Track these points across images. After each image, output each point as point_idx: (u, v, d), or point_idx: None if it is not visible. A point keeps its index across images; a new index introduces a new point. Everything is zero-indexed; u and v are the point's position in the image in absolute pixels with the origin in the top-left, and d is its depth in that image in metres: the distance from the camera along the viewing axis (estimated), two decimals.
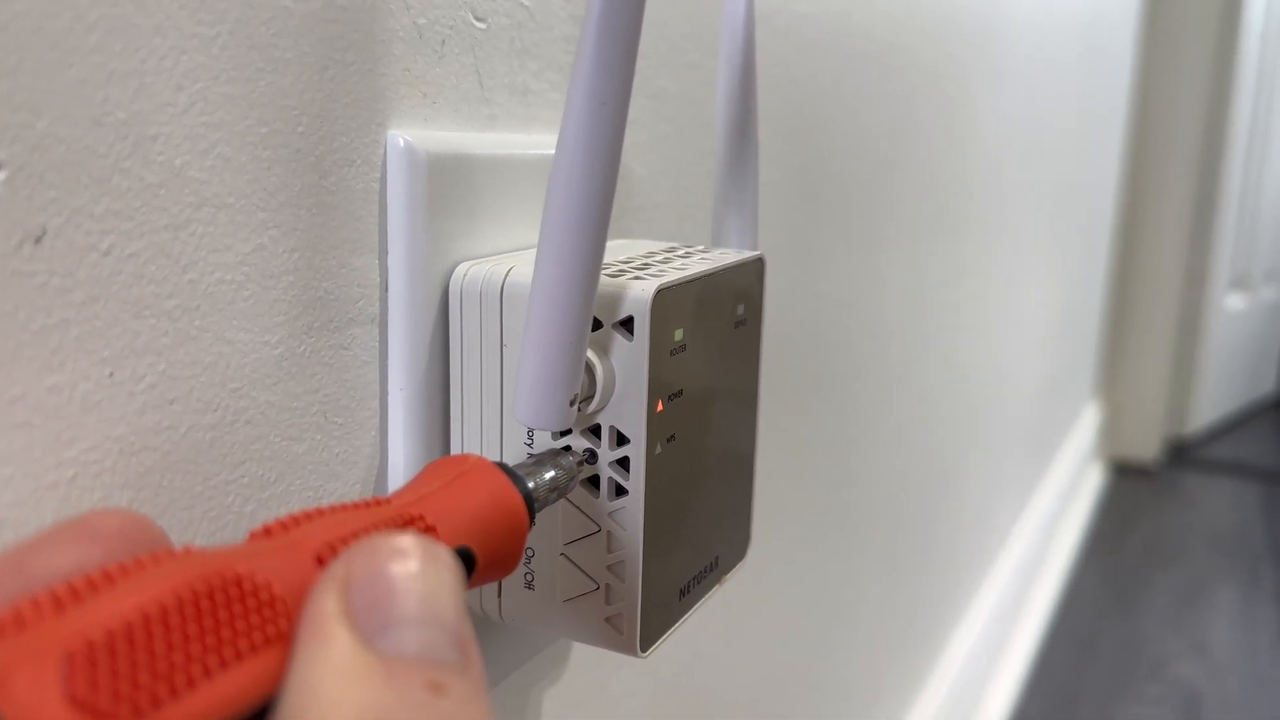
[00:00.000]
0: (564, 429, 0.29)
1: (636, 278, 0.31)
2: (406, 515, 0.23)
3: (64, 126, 0.23)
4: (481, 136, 0.35)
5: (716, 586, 0.38)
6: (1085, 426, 2.24)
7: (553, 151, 0.37)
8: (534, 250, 0.36)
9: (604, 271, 0.32)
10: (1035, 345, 1.54)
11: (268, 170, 0.28)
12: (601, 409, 0.31)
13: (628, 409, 0.31)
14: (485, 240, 0.34)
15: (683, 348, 0.33)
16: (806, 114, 0.62)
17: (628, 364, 0.31)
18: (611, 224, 0.44)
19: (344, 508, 0.23)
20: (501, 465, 0.27)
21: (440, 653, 0.19)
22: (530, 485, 0.28)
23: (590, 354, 0.31)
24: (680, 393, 0.33)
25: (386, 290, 0.32)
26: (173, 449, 0.26)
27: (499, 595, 0.34)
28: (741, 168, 0.39)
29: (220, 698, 0.18)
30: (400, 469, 0.33)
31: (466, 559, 0.25)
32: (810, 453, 0.70)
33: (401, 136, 0.31)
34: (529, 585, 0.34)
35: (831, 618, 0.81)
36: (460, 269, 0.33)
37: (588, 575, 0.33)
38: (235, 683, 0.18)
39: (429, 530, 0.24)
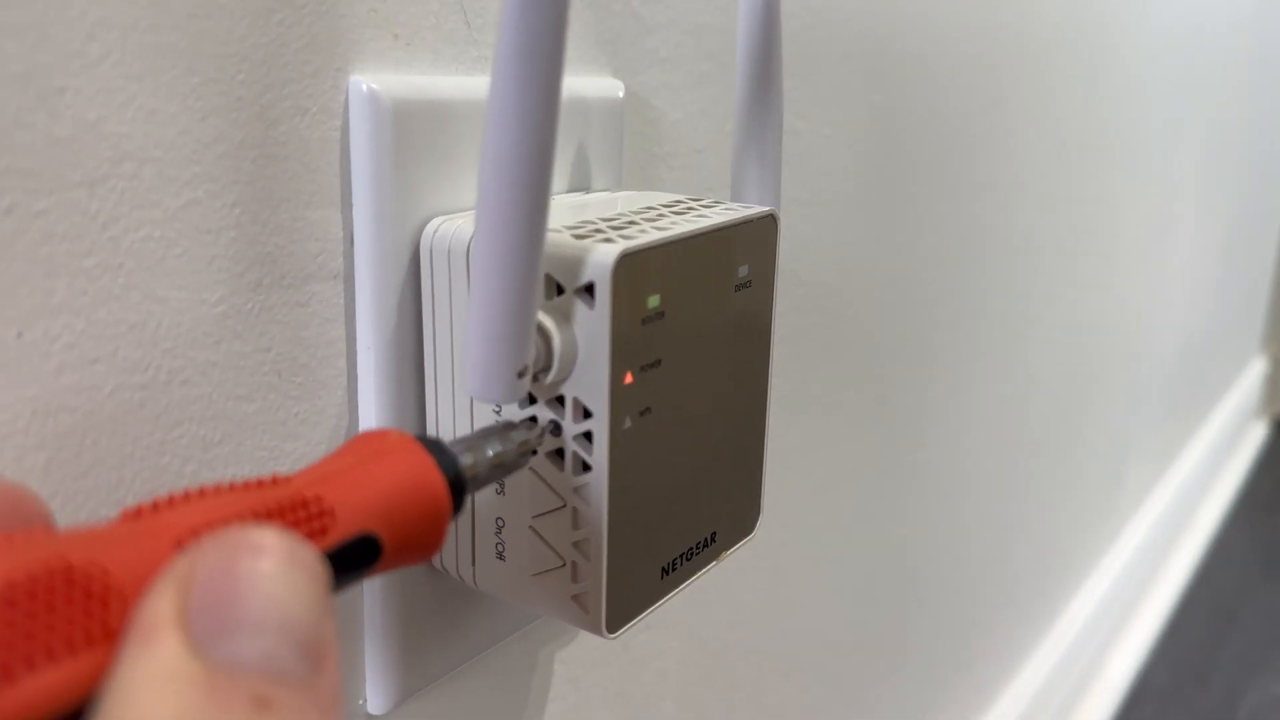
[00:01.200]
0: (511, 402, 0.28)
1: (607, 239, 0.29)
2: (302, 497, 0.22)
3: None
4: (465, 81, 0.33)
5: (714, 562, 0.36)
6: (1249, 382, 2.08)
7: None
8: None
9: (576, 231, 0.30)
10: (1184, 297, 1.43)
11: (201, 121, 0.26)
12: (565, 379, 0.29)
13: (590, 381, 0.29)
14: (465, 194, 0.33)
15: (660, 315, 0.30)
16: (892, 44, 0.57)
17: (590, 333, 0.28)
18: (639, 173, 0.41)
19: (233, 488, 0.22)
20: (430, 441, 0.25)
21: (280, 663, 0.18)
22: (469, 461, 0.26)
23: (549, 321, 0.29)
24: (657, 363, 0.30)
25: (352, 245, 0.31)
26: (96, 409, 0.26)
27: (473, 563, 0.33)
28: (763, 113, 0.36)
29: (21, 701, 0.17)
30: (372, 427, 0.32)
31: (369, 545, 0.23)
32: (889, 414, 0.66)
33: (365, 82, 0.30)
34: (500, 556, 0.32)
35: (917, 581, 0.78)
36: (432, 224, 0.31)
37: (555, 551, 0.31)
38: (44, 684, 0.17)
39: (325, 514, 0.22)
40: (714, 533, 0.35)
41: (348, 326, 0.31)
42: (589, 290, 0.28)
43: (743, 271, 0.34)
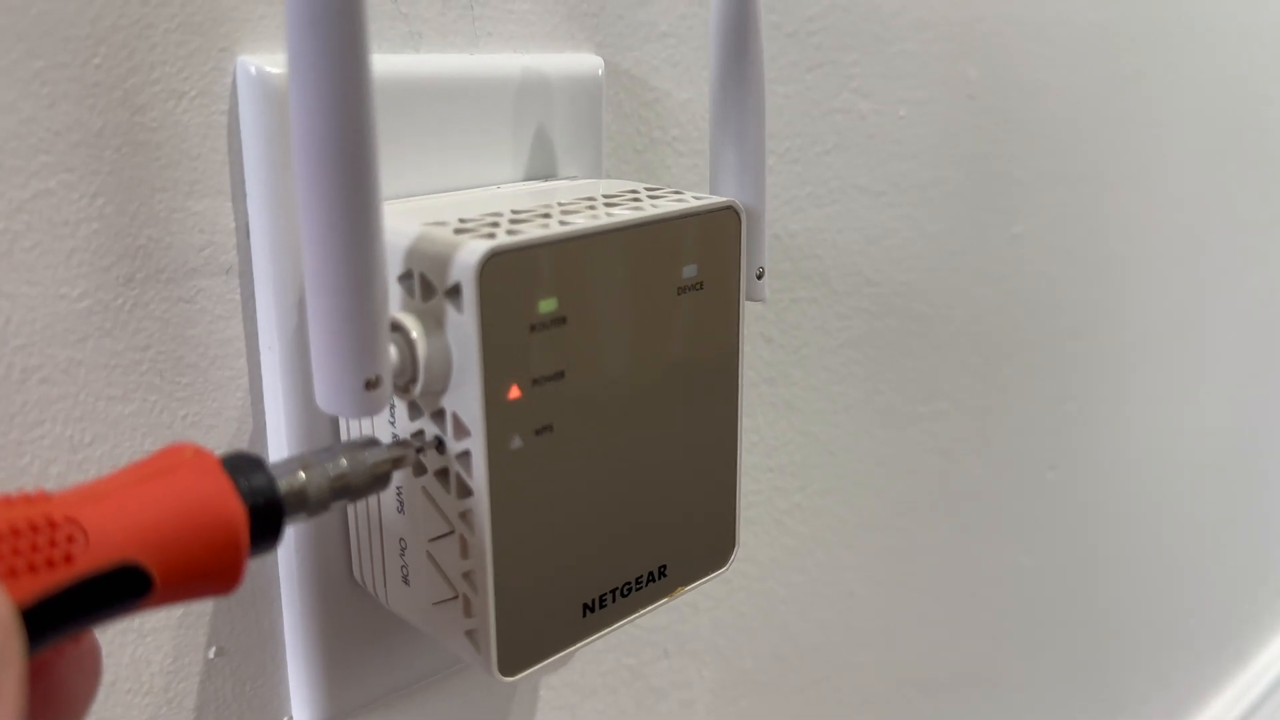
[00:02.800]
0: (361, 416, 0.25)
1: (488, 236, 0.25)
2: (49, 518, 0.20)
3: None
4: (385, 59, 0.30)
5: (666, 599, 0.32)
6: None
7: (500, 74, 0.32)
8: (439, 195, 0.31)
9: (465, 225, 0.26)
10: None
11: (50, 109, 0.25)
12: (442, 391, 0.26)
13: (465, 394, 0.26)
14: (395, 178, 0.30)
15: (559, 320, 0.26)
16: (992, 11, 0.50)
17: (461, 340, 0.25)
18: (638, 157, 0.37)
19: None
20: (240, 459, 0.23)
21: None
22: (295, 483, 0.23)
23: (415, 327, 0.25)
24: (559, 375, 0.27)
25: (248, 237, 0.29)
26: None
27: (384, 583, 0.30)
28: (739, 90, 0.31)
29: None
30: (281, 432, 0.30)
31: (132, 576, 0.21)
32: (998, 431, 0.59)
33: (254, 63, 0.27)
34: (405, 580, 0.29)
35: (1037, 618, 0.70)
36: None
37: (447, 580, 0.28)
38: None
39: (73, 539, 0.20)
40: (663, 566, 0.31)
41: (246, 324, 0.29)
42: (457, 292, 0.25)
43: (688, 272, 0.29)
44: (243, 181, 0.28)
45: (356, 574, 0.31)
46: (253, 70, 0.27)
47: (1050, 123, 0.55)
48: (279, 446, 0.30)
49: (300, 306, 0.29)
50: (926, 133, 0.48)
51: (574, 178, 0.34)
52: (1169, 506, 0.81)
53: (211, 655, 0.31)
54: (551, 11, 0.34)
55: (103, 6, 0.25)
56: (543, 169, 0.34)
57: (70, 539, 0.20)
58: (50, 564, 0.20)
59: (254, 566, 0.31)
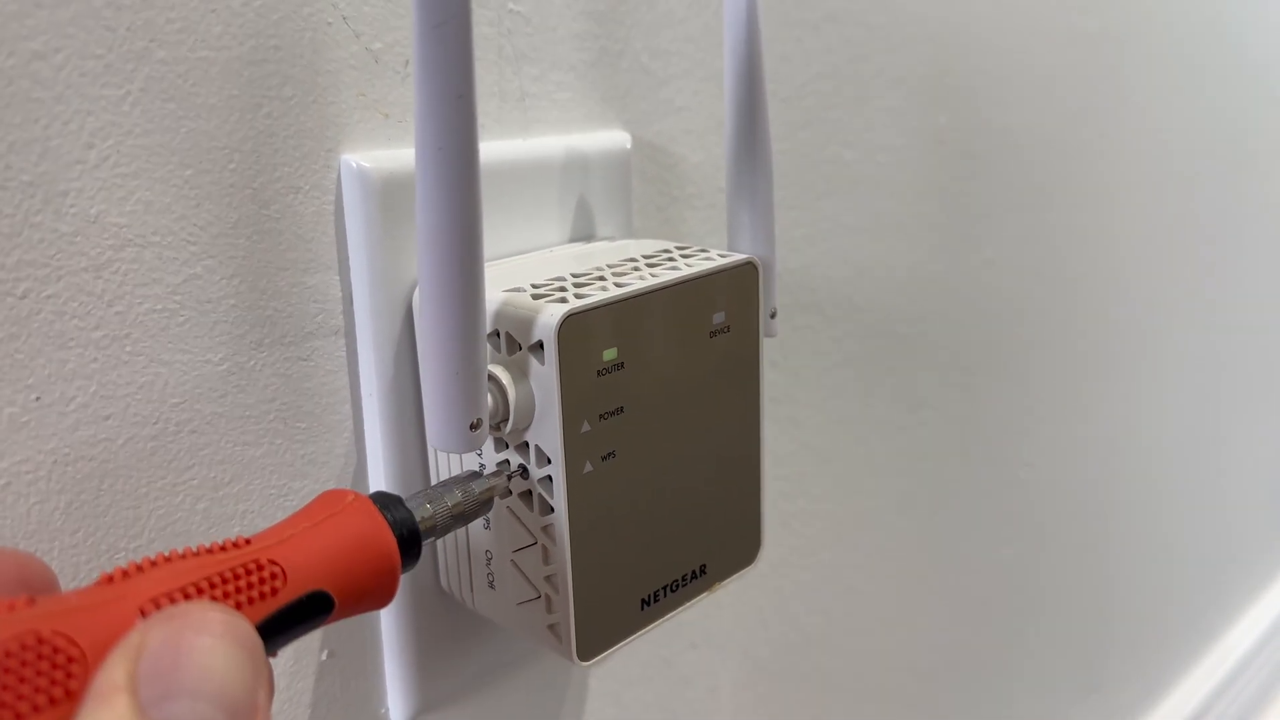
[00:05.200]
0: (467, 452, 0.30)
1: (561, 299, 0.31)
2: (256, 561, 0.25)
3: None
4: None
5: (707, 593, 0.37)
6: None
7: (548, 155, 0.37)
8: (506, 260, 0.37)
9: (539, 290, 0.32)
10: None
11: (196, 208, 0.30)
12: (527, 428, 0.32)
13: (547, 430, 0.31)
14: None
15: (618, 366, 0.32)
16: (957, 64, 0.56)
17: (543, 386, 0.31)
18: (660, 214, 0.43)
19: (198, 552, 0.25)
20: (385, 499, 0.28)
21: None
22: (426, 514, 0.29)
23: (505, 376, 0.31)
24: (619, 410, 0.33)
25: (351, 304, 0.34)
26: (110, 458, 0.30)
27: (471, 589, 0.36)
28: (751, 161, 0.37)
29: None
30: (380, 466, 0.35)
31: (320, 601, 0.26)
32: (979, 434, 0.65)
33: (355, 160, 0.33)
34: (491, 585, 0.35)
35: (1023, 606, 0.76)
36: None
37: (531, 583, 0.34)
38: None
39: (276, 576, 0.25)
40: (703, 565, 0.37)
41: (350, 376, 0.35)
42: (539, 348, 0.31)
43: (718, 319, 0.35)
44: (347, 258, 0.34)
45: (444, 584, 0.37)
46: (354, 166, 0.33)
47: (1013, 159, 0.62)
48: (377, 478, 0.35)
49: (395, 360, 0.35)
50: (903, 174, 0.54)
51: (611, 237, 0.40)
52: (1135, 496, 0.87)
53: (324, 657, 0.36)
54: (587, 97, 0.40)
55: (236, 122, 0.31)
56: (584, 229, 0.39)
57: (274, 576, 0.25)
58: (263, 597, 0.25)
59: None
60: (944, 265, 0.59)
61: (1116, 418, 0.81)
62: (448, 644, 0.38)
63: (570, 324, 0.30)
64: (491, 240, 0.37)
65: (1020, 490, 0.71)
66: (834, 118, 0.50)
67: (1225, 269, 0.94)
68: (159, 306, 0.30)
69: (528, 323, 0.31)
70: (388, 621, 0.37)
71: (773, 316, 0.39)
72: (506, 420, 0.31)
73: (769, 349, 0.49)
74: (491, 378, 0.31)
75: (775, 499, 0.52)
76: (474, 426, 0.29)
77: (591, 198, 0.39)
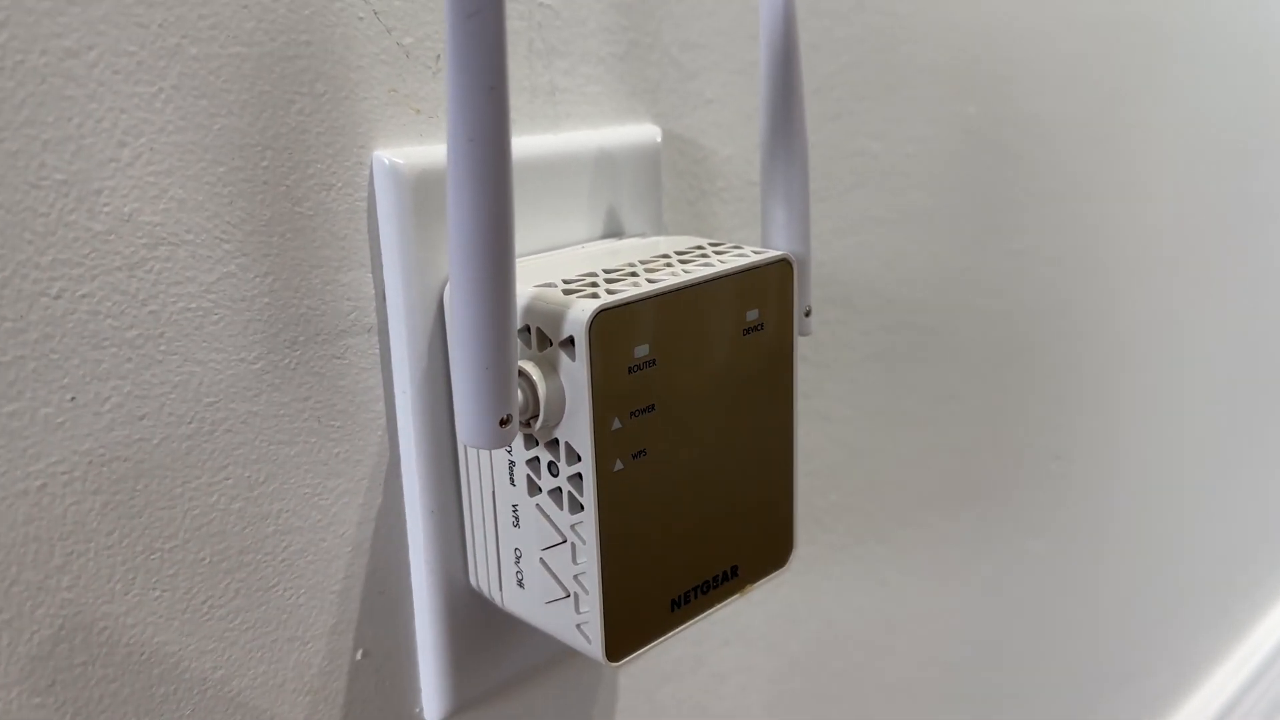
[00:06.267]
0: (497, 448, 0.30)
1: (593, 295, 0.31)
2: None
3: (1, 194, 0.26)
4: None
5: (738, 595, 0.37)
6: None
7: (579, 149, 0.37)
8: (537, 256, 0.37)
9: (570, 285, 0.32)
10: None
11: (229, 205, 0.30)
12: (557, 424, 0.32)
13: (577, 426, 0.31)
14: None
15: (650, 362, 0.32)
16: (988, 54, 0.56)
17: (574, 382, 0.31)
18: (690, 208, 0.43)
19: None
20: None
21: None
22: None
23: (535, 372, 0.31)
24: (651, 408, 0.32)
25: (384, 301, 0.34)
26: (146, 458, 0.30)
27: (500, 588, 0.36)
28: (786, 155, 0.37)
29: None
30: (413, 464, 0.35)
31: None
32: (1010, 426, 0.65)
33: (387, 156, 0.33)
34: (520, 583, 0.35)
35: (1058, 599, 0.75)
36: None
37: (559, 582, 0.33)
38: None
39: None
40: (735, 566, 0.37)
41: (384, 374, 0.35)
42: (570, 343, 0.30)
43: (752, 315, 0.35)
44: (379, 255, 0.34)
45: (474, 582, 0.37)
46: (386, 163, 0.33)
47: (1043, 149, 0.61)
48: (410, 476, 0.35)
49: (428, 356, 0.34)
50: (932, 165, 0.54)
51: (643, 233, 0.40)
52: (1166, 487, 0.86)
53: (359, 658, 0.36)
54: (616, 91, 0.39)
55: (269, 119, 0.31)
56: (614, 224, 0.39)
57: None
58: None
59: (391, 579, 0.36)
60: (973, 257, 0.58)
61: (1148, 409, 0.80)
62: (480, 643, 0.38)
63: (602, 320, 0.30)
64: (521, 235, 0.37)
65: (1051, 483, 0.71)
66: (863, 109, 0.49)
67: (1260, 259, 0.93)
68: (193, 305, 0.30)
69: (559, 318, 0.30)
70: (421, 620, 0.37)
71: (807, 314, 0.38)
72: (537, 417, 0.31)
73: (798, 343, 0.49)
74: (521, 374, 0.31)
75: (807, 494, 0.52)
76: (504, 422, 0.29)
77: (622, 192, 0.39)
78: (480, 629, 0.38)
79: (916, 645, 0.62)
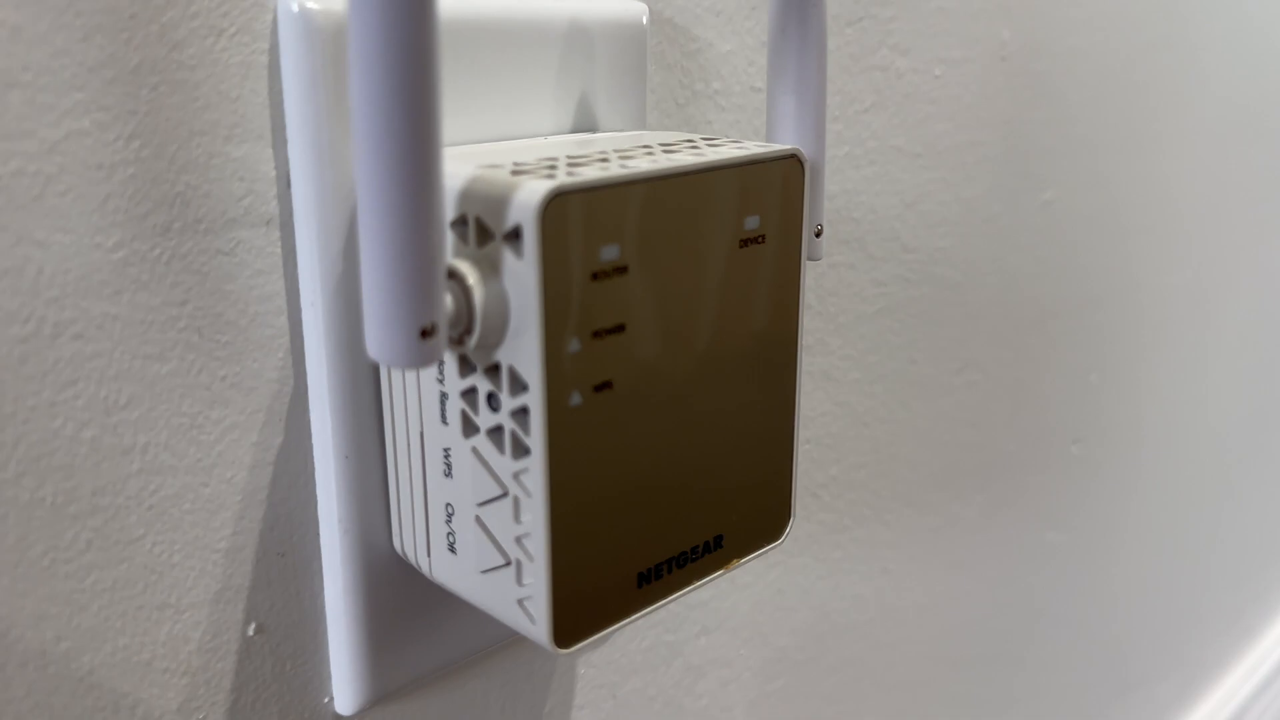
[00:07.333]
0: (414, 367, 0.23)
1: (548, 176, 0.24)
2: None
3: None
4: None
5: (722, 571, 0.30)
6: None
7: (547, 18, 0.30)
8: (488, 144, 0.30)
9: (522, 167, 0.25)
10: None
11: (84, 42, 0.23)
12: (498, 343, 0.25)
13: (523, 347, 0.24)
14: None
15: (621, 269, 0.25)
16: None
17: (520, 288, 0.24)
18: (680, 111, 0.36)
19: None
20: None
21: None
22: None
23: (471, 273, 0.24)
24: (620, 328, 0.25)
25: (289, 187, 0.27)
26: None
27: (428, 553, 0.29)
28: (801, 33, 0.30)
29: None
30: (323, 394, 0.28)
31: None
32: (1029, 402, 0.58)
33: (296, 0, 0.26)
34: (451, 548, 0.28)
35: (1067, 592, 0.69)
36: None
37: (498, 547, 0.27)
38: None
39: None
40: (719, 536, 0.30)
41: (287, 280, 0.28)
42: (516, 236, 0.23)
43: (751, 223, 0.28)
44: (284, 127, 0.27)
45: (398, 545, 0.30)
46: (295, 8, 0.26)
47: (1080, 88, 0.54)
48: (320, 407, 0.29)
49: (345, 260, 0.28)
50: (961, 93, 0.47)
51: (624, 130, 0.33)
52: (1186, 483, 0.80)
53: (251, 633, 0.29)
54: None
55: None
56: (586, 120, 0.32)
57: None
58: None
59: (294, 540, 0.29)
60: (1003, 204, 0.51)
61: (1173, 399, 0.73)
62: (406, 621, 0.32)
63: (559, 206, 0.23)
64: (468, 120, 0.30)
65: (1069, 468, 0.64)
66: (887, 16, 0.42)
67: None
68: (30, 168, 0.23)
69: (502, 203, 0.24)
70: (332, 590, 0.30)
71: (818, 235, 0.32)
72: (471, 330, 0.24)
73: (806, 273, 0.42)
74: (453, 273, 0.24)
75: (804, 465, 0.45)
76: (425, 334, 0.22)
77: (597, 79, 0.32)
78: (406, 603, 0.31)
79: (918, 640, 0.55)
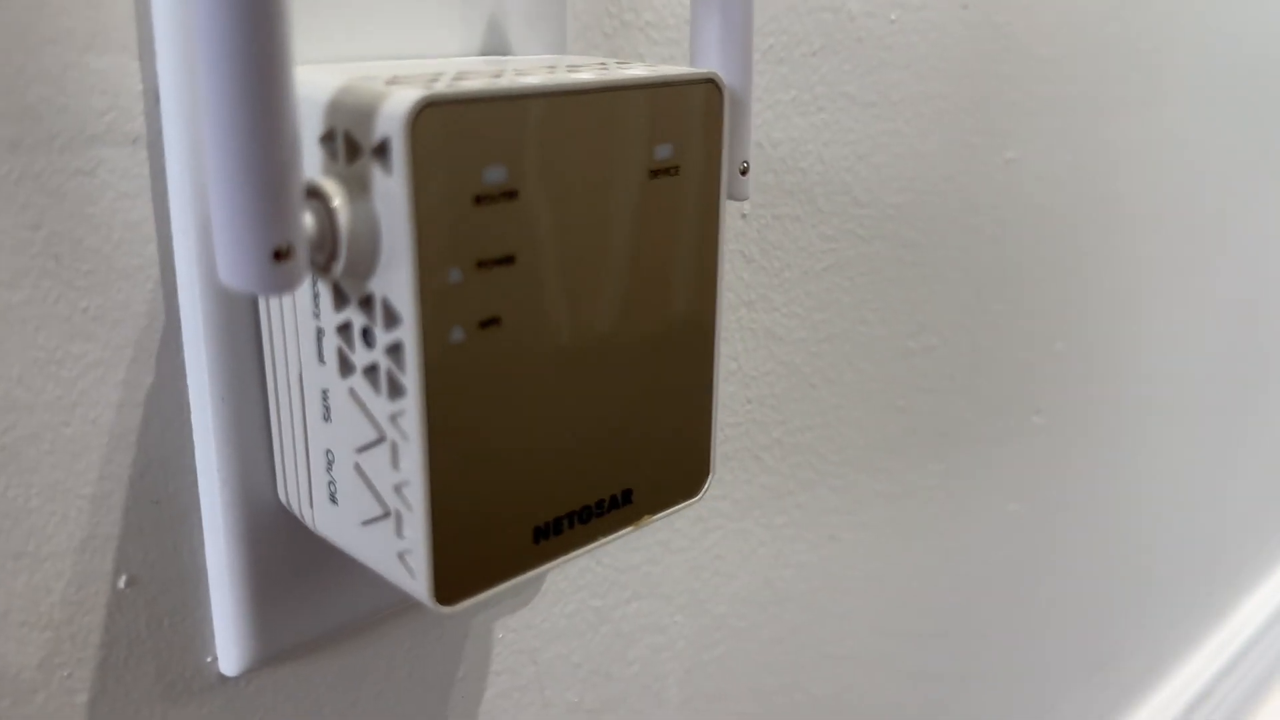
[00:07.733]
0: (267, 293, 0.21)
1: (425, 88, 0.22)
2: None
3: None
4: None
5: (631, 527, 0.28)
6: None
7: None
8: (367, 63, 0.28)
9: (398, 78, 0.23)
10: None
11: None
12: (371, 271, 0.23)
13: (395, 276, 0.22)
14: (324, 41, 0.26)
15: (509, 194, 0.23)
16: None
17: (390, 209, 0.22)
18: (607, 42, 0.34)
19: None
20: None
21: None
22: None
23: (335, 189, 0.22)
24: (509, 259, 0.23)
25: (158, 103, 0.25)
26: None
27: (311, 504, 0.27)
28: None
29: None
30: (197, 329, 0.26)
31: None
32: (984, 371, 0.56)
33: None
34: (333, 498, 0.26)
35: (1028, 565, 0.67)
36: None
37: (377, 496, 0.25)
38: None
39: None
40: (628, 490, 0.28)
41: (156, 205, 0.26)
42: (385, 150, 0.21)
43: (662, 152, 0.26)
44: (152, 39, 0.25)
45: (282, 495, 0.28)
46: None
47: (1046, 42, 0.52)
48: (195, 344, 0.26)
49: None
50: (919, 41, 0.45)
51: (541, 55, 0.31)
52: (1153, 459, 0.78)
53: (122, 585, 0.27)
54: None
55: None
56: (497, 43, 0.30)
57: None
58: None
59: (170, 488, 0.27)
60: (963, 162, 0.49)
61: (1139, 367, 0.72)
62: (296, 576, 0.30)
63: (430, 116, 0.21)
64: (357, 37, 0.27)
65: (1030, 439, 0.62)
66: None
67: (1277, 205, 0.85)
68: None
69: (370, 113, 0.21)
70: (213, 542, 0.28)
71: (744, 172, 0.29)
72: (337, 255, 0.22)
73: (740, 237, 0.40)
74: (315, 191, 0.22)
75: (746, 425, 0.43)
76: (280, 255, 0.20)
77: (510, 1, 0.30)
78: (296, 557, 0.29)
79: (867, 612, 0.54)
